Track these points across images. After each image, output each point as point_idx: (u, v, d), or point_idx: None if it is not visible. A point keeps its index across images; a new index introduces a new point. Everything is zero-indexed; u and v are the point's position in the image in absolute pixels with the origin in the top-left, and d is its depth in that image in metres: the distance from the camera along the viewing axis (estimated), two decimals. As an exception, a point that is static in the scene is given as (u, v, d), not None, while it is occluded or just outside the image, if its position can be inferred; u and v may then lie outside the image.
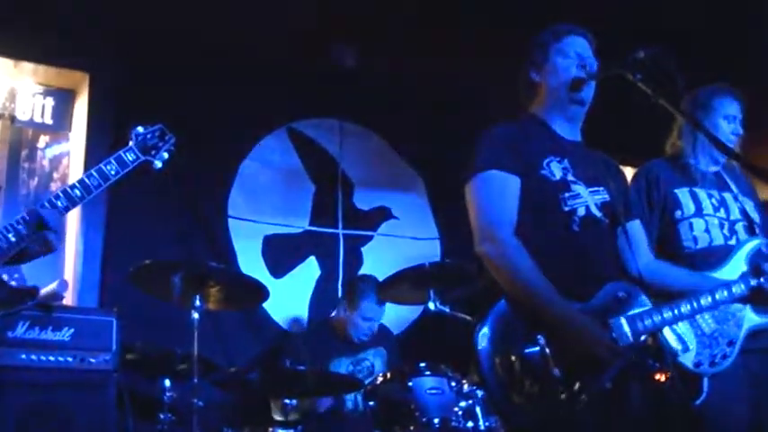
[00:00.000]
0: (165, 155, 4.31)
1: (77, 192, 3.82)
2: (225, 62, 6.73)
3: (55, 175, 6.33)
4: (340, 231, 7.19)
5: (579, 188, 3.43)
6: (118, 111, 6.32)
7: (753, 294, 3.57)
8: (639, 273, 3.56)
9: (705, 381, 4.03)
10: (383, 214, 7.46)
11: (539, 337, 3.09)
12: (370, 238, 7.32)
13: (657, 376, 3.29)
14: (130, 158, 4.10)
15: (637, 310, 3.30)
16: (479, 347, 3.11)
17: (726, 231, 4.37)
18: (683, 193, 4.44)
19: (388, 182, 7.55)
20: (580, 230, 3.36)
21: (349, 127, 7.42)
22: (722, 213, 4.41)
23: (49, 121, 6.41)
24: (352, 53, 7.19)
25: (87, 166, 6.11)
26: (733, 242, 4.33)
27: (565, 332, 3.08)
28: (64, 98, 6.48)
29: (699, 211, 4.39)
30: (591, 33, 3.70)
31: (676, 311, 3.38)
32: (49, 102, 6.42)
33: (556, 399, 3.04)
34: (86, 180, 3.87)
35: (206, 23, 6.56)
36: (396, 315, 6.70)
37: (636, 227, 3.69)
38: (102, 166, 3.98)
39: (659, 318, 3.32)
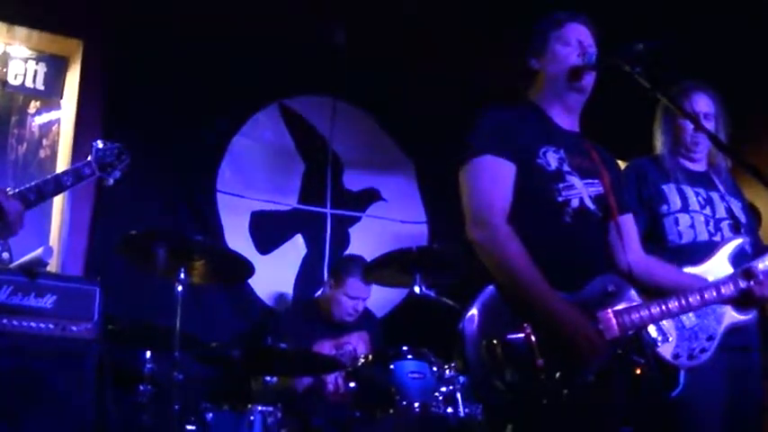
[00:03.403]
0: (118, 174, 4.44)
1: (32, 196, 3.95)
2: (219, 36, 6.70)
3: (44, 142, 6.29)
4: (328, 211, 7.17)
5: (574, 179, 3.41)
6: (110, 80, 6.30)
7: (741, 296, 3.56)
8: (629, 267, 3.56)
9: (682, 373, 4.04)
10: (372, 196, 7.44)
11: (525, 325, 3.07)
12: (358, 219, 7.31)
13: (638, 369, 3.30)
14: (87, 172, 4.27)
15: (625, 305, 3.29)
16: (465, 331, 3.10)
17: (711, 228, 4.39)
18: (669, 189, 4.46)
19: (378, 163, 7.53)
20: (572, 222, 3.35)
21: (342, 106, 7.38)
22: (708, 211, 4.44)
23: (40, 87, 6.36)
24: (347, 32, 7.16)
25: (77, 135, 6.10)
26: (717, 239, 4.36)
27: (551, 322, 3.06)
28: (57, 64, 6.43)
29: (685, 207, 4.41)
30: (592, 21, 3.68)
31: (665, 309, 3.36)
32: (42, 68, 6.38)
33: (538, 387, 3.03)
34: (42, 186, 4.01)
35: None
36: (380, 298, 6.68)
37: (628, 221, 3.67)
38: (60, 175, 4.16)
39: (647, 314, 3.31)
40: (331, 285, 6.14)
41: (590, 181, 3.47)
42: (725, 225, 4.43)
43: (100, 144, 4.35)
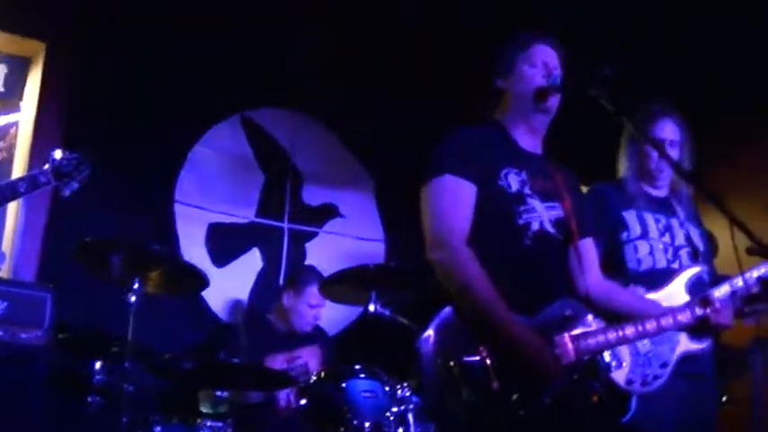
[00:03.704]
0: (76, 185, 4.41)
1: None
2: (183, 45, 6.68)
3: (1, 144, 6.21)
4: (285, 225, 7.15)
5: (535, 202, 3.41)
6: (72, 84, 6.25)
7: (697, 324, 3.58)
8: (587, 291, 3.55)
9: (633, 399, 4.06)
10: (330, 211, 7.43)
11: (481, 347, 3.07)
12: (315, 234, 7.29)
13: (594, 395, 3.30)
14: (42, 181, 4.25)
15: (582, 330, 3.29)
16: (421, 351, 3.10)
17: (669, 256, 4.42)
18: (630, 216, 4.48)
19: (337, 179, 7.52)
20: (532, 245, 3.35)
21: (303, 120, 7.38)
22: (667, 238, 4.47)
23: (0, 88, 6.29)
24: (309, 45, 7.14)
25: (35, 138, 6.03)
26: (676, 266, 4.40)
27: (508, 346, 3.06)
28: (18, 66, 6.36)
29: (644, 234, 4.44)
30: (559, 42, 3.68)
31: (621, 334, 3.37)
32: (2, 69, 6.31)
33: (492, 410, 3.02)
34: None
35: (167, 6, 6.51)
36: (335, 315, 6.67)
37: (588, 245, 3.67)
38: (15, 181, 4.18)
39: (603, 339, 3.31)
40: (290, 296, 6.11)
41: (551, 204, 3.47)
42: (684, 253, 4.46)
43: (58, 154, 4.32)
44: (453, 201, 3.31)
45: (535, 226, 3.38)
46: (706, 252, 4.58)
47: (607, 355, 3.83)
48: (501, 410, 3.02)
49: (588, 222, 3.73)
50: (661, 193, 4.65)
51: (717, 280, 4.24)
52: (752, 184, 7.03)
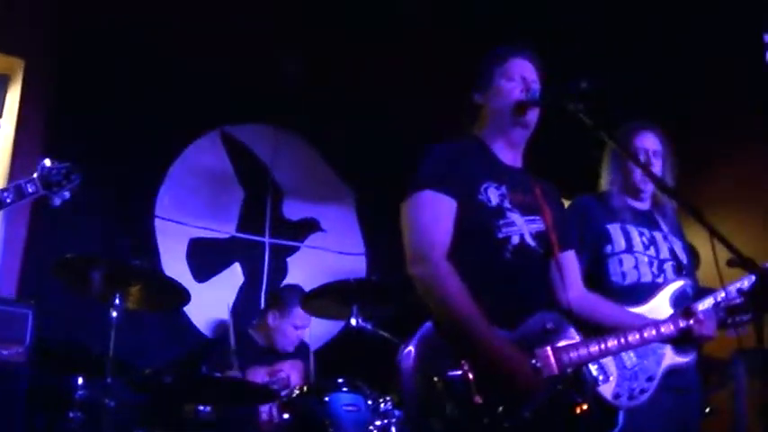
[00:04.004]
0: (67, 194, 4.35)
1: None
2: (163, 61, 6.69)
3: (-19, 160, 6.20)
4: (266, 240, 7.14)
5: (515, 216, 3.43)
6: (51, 100, 6.23)
7: (680, 336, 3.59)
8: (569, 304, 3.57)
9: (621, 413, 4.06)
10: (311, 226, 7.43)
11: (462, 361, 3.07)
12: (296, 248, 7.29)
13: (577, 408, 3.30)
14: (30, 190, 4.19)
15: (564, 343, 3.30)
16: (402, 366, 3.10)
17: (654, 269, 4.42)
18: (614, 229, 4.47)
19: (318, 194, 7.52)
20: (512, 258, 3.37)
21: (284, 135, 7.38)
22: (652, 252, 4.46)
23: (-21, 105, 6.28)
24: (291, 62, 7.15)
25: (15, 154, 6.01)
26: (660, 280, 4.38)
27: (488, 360, 3.07)
28: (-3, 82, 6.35)
29: (629, 248, 4.43)
30: (537, 56, 3.70)
31: (603, 347, 3.38)
32: (-19, 85, 6.30)
33: (474, 425, 3.03)
34: None
35: (147, 21, 6.54)
36: (317, 329, 6.66)
37: (570, 257, 3.69)
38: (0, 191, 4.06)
39: (585, 352, 3.32)
40: (276, 317, 6.10)
41: (531, 218, 3.49)
42: (668, 266, 4.46)
43: (48, 162, 4.26)
44: (433, 215, 3.32)
45: (515, 239, 3.40)
46: (689, 265, 4.59)
47: (594, 369, 3.83)
48: (484, 425, 3.03)
49: (570, 235, 3.75)
50: (644, 206, 4.65)
51: (700, 293, 4.26)
52: (734, 196, 7.08)
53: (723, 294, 3.98)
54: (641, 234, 4.50)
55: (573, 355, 3.28)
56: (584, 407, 3.29)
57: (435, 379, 3.05)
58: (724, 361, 5.67)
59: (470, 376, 3.05)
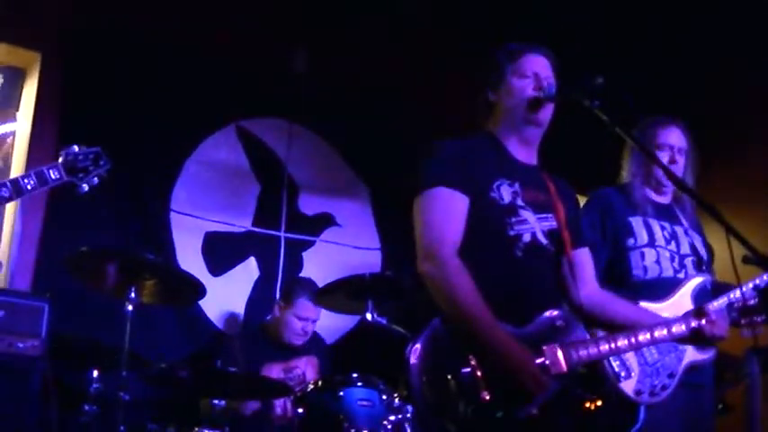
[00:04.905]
0: (96, 180, 4.28)
1: None
2: (178, 55, 6.70)
3: (-2, 154, 6.22)
4: (282, 234, 7.14)
5: (527, 214, 3.42)
6: (67, 94, 6.25)
7: (692, 335, 3.56)
8: (581, 301, 3.55)
9: (642, 409, 4.05)
10: (326, 220, 7.42)
11: (470, 358, 3.08)
12: (312, 243, 7.28)
13: (588, 404, 3.29)
14: (53, 176, 4.07)
15: (573, 340, 3.28)
16: (410, 363, 3.10)
17: (676, 264, 4.41)
18: (636, 222, 4.46)
19: (333, 188, 7.51)
20: (523, 256, 3.36)
21: (298, 130, 7.36)
22: (673, 246, 4.45)
23: (-4, 98, 6.30)
24: (304, 57, 7.16)
25: (31, 148, 6.03)
26: (682, 276, 4.38)
27: (495, 357, 3.07)
28: (14, 76, 6.35)
29: (651, 242, 4.42)
30: (552, 52, 3.66)
31: (613, 346, 3.35)
32: (-2, 79, 6.32)
33: (483, 421, 3.03)
34: None
35: (163, 16, 6.52)
36: (331, 324, 6.67)
37: (584, 254, 3.67)
38: (19, 178, 3.96)
39: (595, 350, 3.30)
40: (281, 307, 6.10)
41: (543, 215, 3.48)
42: (689, 262, 4.45)
43: (75, 148, 4.20)
44: (445, 212, 3.31)
45: (527, 237, 3.39)
46: (709, 261, 4.58)
47: (616, 365, 3.83)
48: (492, 421, 3.03)
49: (591, 230, 3.73)
50: (665, 200, 4.64)
51: (718, 288, 4.24)
52: (733, 197, 7.06)
53: (738, 293, 3.96)
54: (663, 228, 4.49)
55: (582, 352, 3.26)
56: (597, 403, 3.28)
57: (442, 376, 3.06)
58: (738, 358, 5.65)
59: (478, 373, 3.05)
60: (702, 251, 4.53)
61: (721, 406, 5.49)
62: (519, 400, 3.06)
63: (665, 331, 3.51)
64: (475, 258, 3.25)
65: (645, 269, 4.38)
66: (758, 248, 2.95)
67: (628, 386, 4.04)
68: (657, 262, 4.39)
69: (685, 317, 3.59)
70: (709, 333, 3.56)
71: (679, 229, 4.53)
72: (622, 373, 3.75)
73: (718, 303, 3.90)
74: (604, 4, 6.79)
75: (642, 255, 4.40)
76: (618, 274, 4.37)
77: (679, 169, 4.51)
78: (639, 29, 7.06)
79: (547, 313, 3.31)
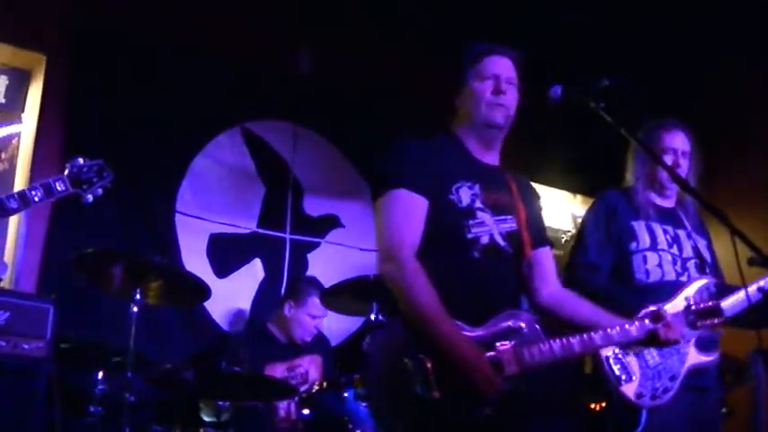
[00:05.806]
0: (100, 191, 4.42)
1: None
2: (183, 57, 6.71)
3: (3, 155, 6.22)
4: (287, 236, 7.14)
5: (485, 216, 3.43)
6: (72, 96, 6.25)
7: (647, 338, 3.53)
8: (542, 300, 3.59)
9: (644, 413, 4.05)
10: (331, 222, 7.43)
11: (423, 357, 3.10)
12: (317, 244, 7.29)
13: (593, 405, 3.30)
14: (59, 188, 4.23)
15: (528, 340, 3.27)
16: (369, 361, 3.23)
17: (678, 268, 4.41)
18: (639, 226, 4.47)
19: (338, 190, 7.52)
20: (481, 258, 3.38)
21: (303, 132, 7.37)
22: (675, 250, 4.45)
23: (1, 100, 6.30)
24: (308, 58, 7.17)
25: (36, 149, 6.04)
26: (684, 279, 4.37)
27: (448, 357, 3.09)
28: (19, 78, 6.37)
29: (653, 246, 4.43)
30: (519, 53, 3.65)
31: (567, 345, 3.32)
32: (3, 81, 6.32)
33: (432, 420, 3.07)
34: (5, 202, 3.99)
35: (166, 18, 6.57)
36: (336, 325, 6.68)
37: (544, 253, 3.68)
38: (26, 190, 4.10)
39: (548, 349, 3.28)
40: (291, 306, 6.10)
41: (502, 217, 3.49)
42: (691, 264, 4.45)
43: (80, 161, 4.31)
44: (404, 215, 3.34)
45: (485, 239, 3.41)
46: (713, 263, 4.58)
47: (617, 369, 3.83)
48: (443, 420, 3.07)
49: (544, 231, 3.73)
50: (669, 203, 4.64)
51: (726, 291, 4.23)
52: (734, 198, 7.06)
53: (743, 294, 3.97)
54: (665, 232, 4.49)
55: (535, 352, 3.26)
56: (600, 403, 3.29)
57: (395, 372, 3.09)
58: (742, 360, 5.65)
59: (431, 372, 3.08)
60: (706, 254, 4.53)
61: (725, 408, 5.48)
62: (470, 400, 3.08)
63: (619, 331, 3.49)
64: (434, 260, 3.28)
65: (647, 272, 4.39)
66: (762, 250, 2.95)
67: (629, 390, 4.04)
68: (660, 265, 4.40)
69: (641, 319, 3.57)
70: (663, 336, 3.53)
71: (682, 233, 4.53)
72: (623, 377, 3.75)
73: (674, 308, 3.89)
74: (604, 4, 6.79)
75: (645, 258, 4.41)
76: (622, 277, 4.38)
77: (682, 173, 4.51)
78: (639, 29, 7.06)
79: (503, 314, 3.32)
